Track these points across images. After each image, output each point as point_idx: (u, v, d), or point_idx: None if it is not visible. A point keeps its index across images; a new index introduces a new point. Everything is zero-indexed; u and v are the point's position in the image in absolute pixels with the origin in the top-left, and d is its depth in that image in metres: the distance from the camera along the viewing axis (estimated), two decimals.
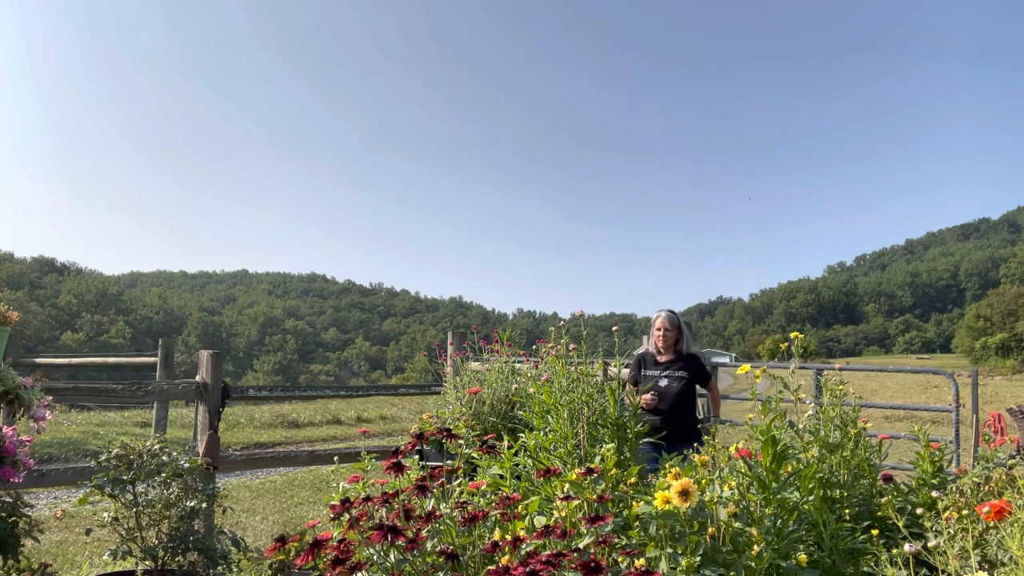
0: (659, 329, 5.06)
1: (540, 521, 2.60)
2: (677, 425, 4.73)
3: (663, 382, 4.91)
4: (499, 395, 4.50)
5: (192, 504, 3.32)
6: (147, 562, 3.17)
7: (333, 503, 2.18)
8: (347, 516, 2.08)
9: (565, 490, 2.57)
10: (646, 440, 3.77)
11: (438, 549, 2.03)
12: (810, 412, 3.37)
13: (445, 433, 2.74)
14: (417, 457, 3.36)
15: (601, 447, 2.96)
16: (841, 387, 3.28)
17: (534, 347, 5.06)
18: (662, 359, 5.07)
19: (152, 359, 10.27)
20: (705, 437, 3.13)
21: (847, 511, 2.90)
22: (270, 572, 3.08)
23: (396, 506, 2.12)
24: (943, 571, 2.13)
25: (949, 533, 2.43)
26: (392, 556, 1.97)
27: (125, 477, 3.21)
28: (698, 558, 2.14)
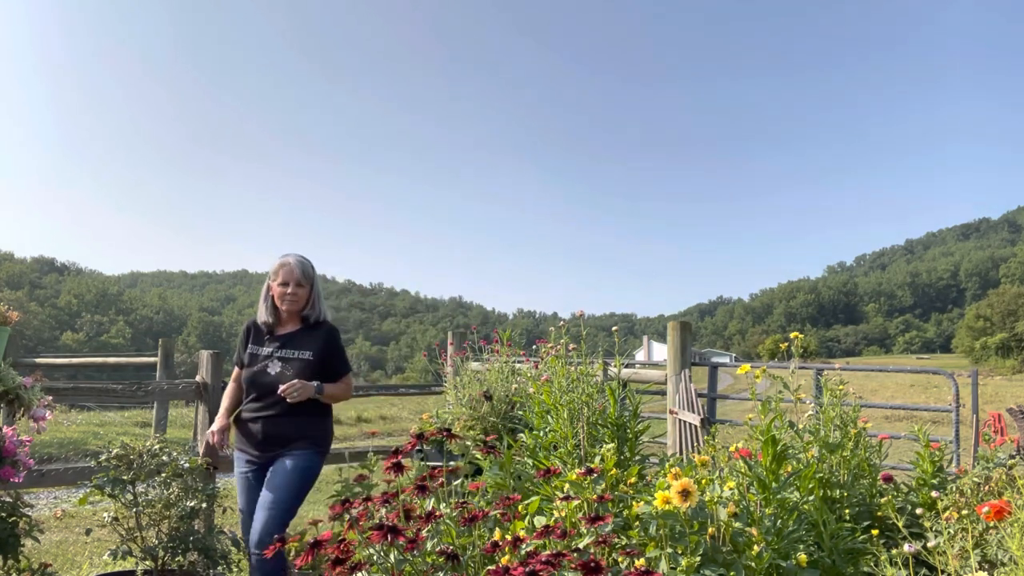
0: (285, 284, 3.30)
1: (540, 521, 2.59)
2: (283, 426, 3.25)
3: (274, 367, 3.28)
4: (499, 395, 4.50)
5: (192, 504, 3.32)
6: (147, 562, 3.17)
7: (333, 503, 2.18)
8: (347, 516, 2.08)
9: (565, 490, 2.57)
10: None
11: (438, 549, 2.03)
12: (810, 412, 3.37)
13: (445, 433, 2.74)
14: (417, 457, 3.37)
15: (601, 447, 2.96)
16: (841, 387, 3.28)
17: (534, 347, 5.06)
18: (281, 330, 3.39)
19: (152, 359, 10.28)
20: (706, 437, 3.11)
21: (847, 511, 2.90)
22: None
23: (396, 506, 2.12)
24: (943, 571, 2.13)
25: (949, 533, 2.43)
26: (392, 556, 1.97)
27: (125, 477, 3.21)
28: (698, 558, 2.14)
